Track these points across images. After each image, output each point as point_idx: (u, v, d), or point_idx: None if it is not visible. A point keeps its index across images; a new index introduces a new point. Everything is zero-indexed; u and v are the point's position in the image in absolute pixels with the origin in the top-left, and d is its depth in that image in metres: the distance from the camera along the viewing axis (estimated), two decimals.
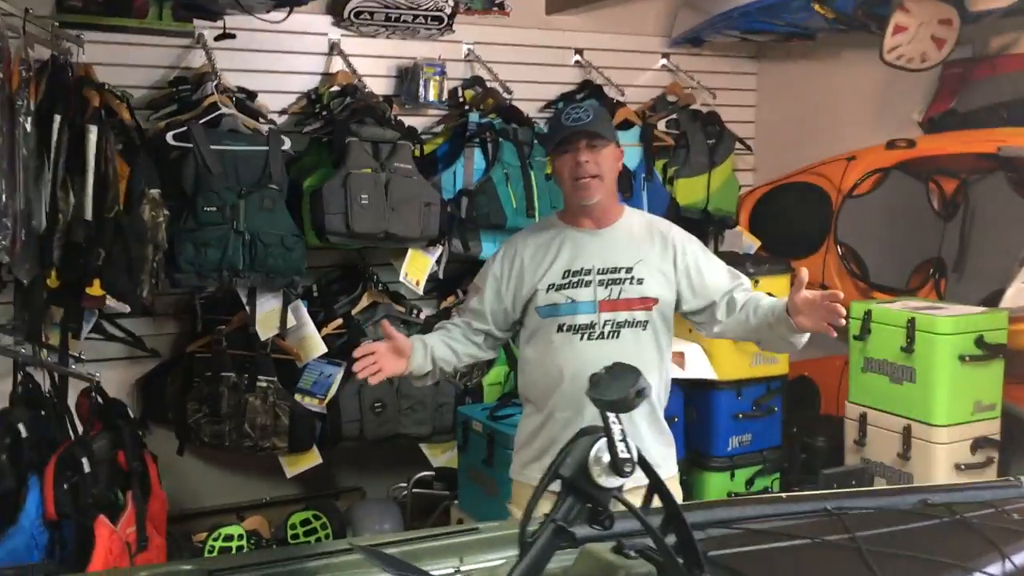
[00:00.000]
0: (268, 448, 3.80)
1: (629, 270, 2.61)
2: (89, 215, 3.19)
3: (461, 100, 4.39)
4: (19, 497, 2.97)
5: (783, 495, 2.38)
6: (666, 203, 4.49)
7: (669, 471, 2.70)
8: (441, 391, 3.99)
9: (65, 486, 2.98)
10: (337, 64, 4.23)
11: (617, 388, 1.57)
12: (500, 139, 4.11)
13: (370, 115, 3.89)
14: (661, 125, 4.71)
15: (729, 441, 3.67)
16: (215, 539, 3.60)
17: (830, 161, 4.48)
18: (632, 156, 4.44)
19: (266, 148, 3.66)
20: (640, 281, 2.61)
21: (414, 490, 4.07)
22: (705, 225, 4.75)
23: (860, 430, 3.64)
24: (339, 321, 4.04)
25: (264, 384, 3.77)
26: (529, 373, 2.71)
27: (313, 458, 3.91)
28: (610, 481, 1.60)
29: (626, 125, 4.50)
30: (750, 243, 4.75)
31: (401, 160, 3.87)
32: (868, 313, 3.61)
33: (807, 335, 2.49)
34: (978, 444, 3.44)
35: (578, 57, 4.76)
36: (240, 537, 3.64)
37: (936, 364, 3.38)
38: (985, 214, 3.92)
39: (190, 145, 3.51)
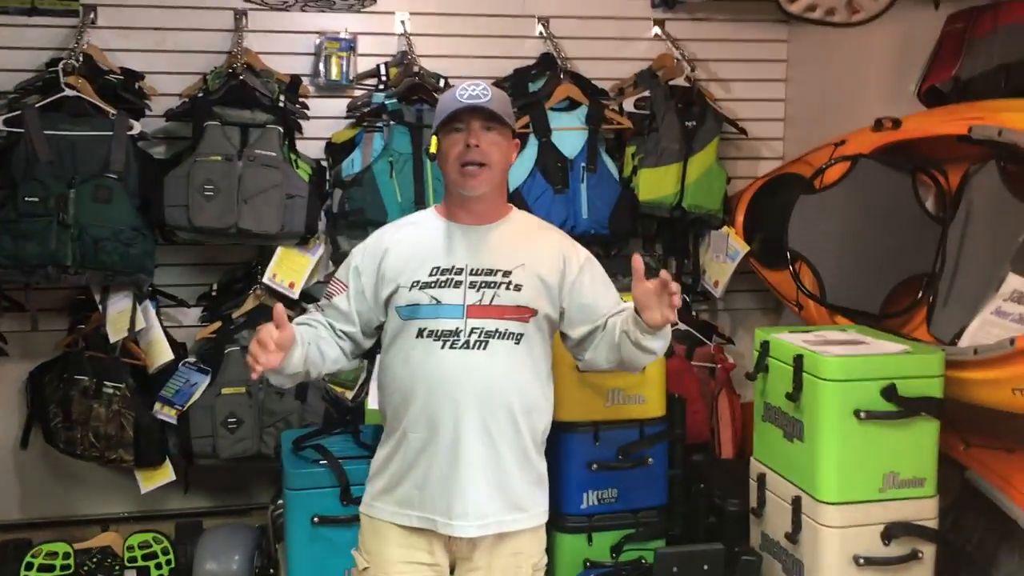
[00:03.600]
0: (115, 460, 3.50)
1: (507, 274, 2.27)
2: None
3: (385, 79, 3.87)
4: None
5: None
6: (613, 199, 3.72)
7: (535, 519, 2.33)
8: (311, 409, 3.53)
9: None
10: (245, 42, 3.83)
11: None
12: (392, 122, 3.57)
13: (243, 96, 3.49)
14: (628, 105, 3.94)
15: (583, 497, 2.86)
16: (34, 556, 3.34)
17: (821, 148, 3.54)
18: (574, 142, 3.73)
19: (111, 134, 3.35)
20: (518, 288, 2.26)
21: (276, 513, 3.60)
22: (679, 225, 3.95)
23: (759, 496, 2.80)
24: (218, 324, 3.67)
25: (110, 391, 3.46)
26: (384, 385, 2.36)
27: (165, 474, 3.56)
28: None
29: (571, 105, 3.80)
30: (737, 248, 3.88)
31: (264, 147, 3.43)
32: (765, 345, 2.74)
33: (663, 337, 2.21)
34: (892, 532, 2.50)
35: (542, 27, 4.08)
36: (66, 556, 3.35)
37: (821, 419, 2.49)
38: (977, 218, 2.91)
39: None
